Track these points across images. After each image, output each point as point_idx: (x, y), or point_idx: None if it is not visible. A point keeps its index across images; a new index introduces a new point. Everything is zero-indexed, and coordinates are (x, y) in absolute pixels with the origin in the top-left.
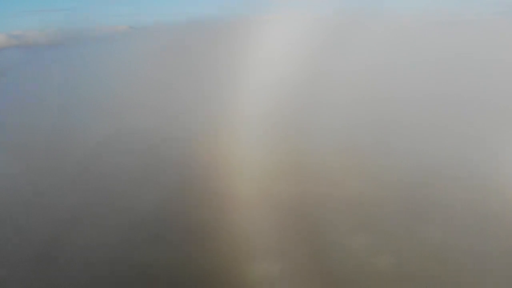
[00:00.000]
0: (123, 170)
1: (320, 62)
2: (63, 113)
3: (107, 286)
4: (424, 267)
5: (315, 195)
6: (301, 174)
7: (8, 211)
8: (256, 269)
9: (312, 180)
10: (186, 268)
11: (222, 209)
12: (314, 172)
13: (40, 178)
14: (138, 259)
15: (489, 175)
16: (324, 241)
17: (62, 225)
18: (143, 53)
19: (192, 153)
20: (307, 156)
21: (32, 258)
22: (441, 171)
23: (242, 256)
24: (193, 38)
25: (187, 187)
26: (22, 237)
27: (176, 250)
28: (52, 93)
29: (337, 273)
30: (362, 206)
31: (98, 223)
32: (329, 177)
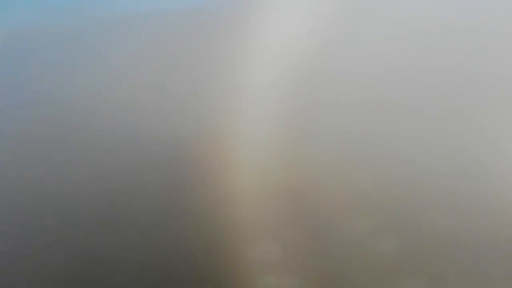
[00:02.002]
0: (120, 167)
1: (326, 55)
2: (58, 112)
3: (109, 279)
4: (426, 250)
5: (316, 186)
6: (302, 167)
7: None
8: (257, 251)
9: (313, 172)
10: (187, 252)
11: (222, 198)
12: (315, 165)
13: (38, 174)
14: (140, 249)
15: (491, 165)
16: (324, 226)
17: (60, 227)
18: (135, 46)
19: (191, 147)
20: (307, 150)
21: None
22: (444, 162)
23: (242, 240)
24: (188, 28)
25: (186, 178)
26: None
27: (176, 237)
28: (43, 91)
29: (337, 255)
30: (364, 195)
31: (98, 220)
32: (330, 169)
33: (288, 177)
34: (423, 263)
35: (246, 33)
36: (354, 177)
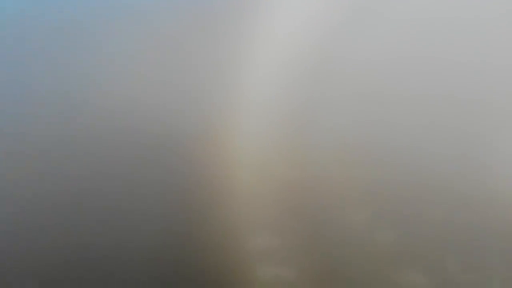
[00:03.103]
0: (119, 166)
1: (327, 51)
2: (57, 110)
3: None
4: (425, 241)
5: (315, 178)
6: (301, 160)
7: None
8: (256, 242)
9: (312, 165)
10: (187, 243)
11: (222, 190)
12: (314, 158)
13: (37, 172)
14: (140, 238)
15: (490, 158)
16: (323, 217)
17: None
18: (133, 41)
19: (192, 141)
20: (307, 144)
21: None
22: (444, 155)
23: (242, 232)
24: (188, 24)
25: (185, 168)
26: None
27: (177, 227)
28: (42, 88)
29: (335, 245)
30: (363, 187)
31: (97, 223)
32: (329, 162)
33: (288, 170)
34: (422, 253)
35: (247, 29)
36: (353, 169)
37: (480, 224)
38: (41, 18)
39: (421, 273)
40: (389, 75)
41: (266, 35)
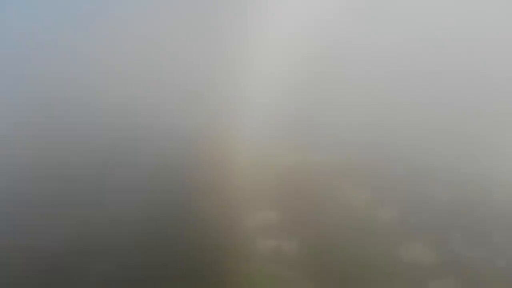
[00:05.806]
0: (117, 164)
1: (328, 56)
2: (58, 111)
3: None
4: (425, 219)
5: (316, 161)
6: (301, 143)
7: None
8: (257, 218)
9: (312, 149)
10: (190, 218)
11: (223, 173)
12: (313, 142)
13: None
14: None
15: (491, 145)
16: (324, 197)
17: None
18: (131, 39)
19: (200, 134)
20: (306, 130)
21: None
22: (445, 140)
23: (243, 209)
24: (187, 20)
25: (187, 152)
26: None
27: (182, 205)
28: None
29: (336, 224)
30: (363, 169)
31: (98, 219)
32: (329, 148)
33: (290, 154)
34: (421, 229)
35: (251, 31)
36: (354, 155)
37: (482, 202)
38: (42, 18)
39: (419, 249)
40: (388, 82)
41: (269, 38)
